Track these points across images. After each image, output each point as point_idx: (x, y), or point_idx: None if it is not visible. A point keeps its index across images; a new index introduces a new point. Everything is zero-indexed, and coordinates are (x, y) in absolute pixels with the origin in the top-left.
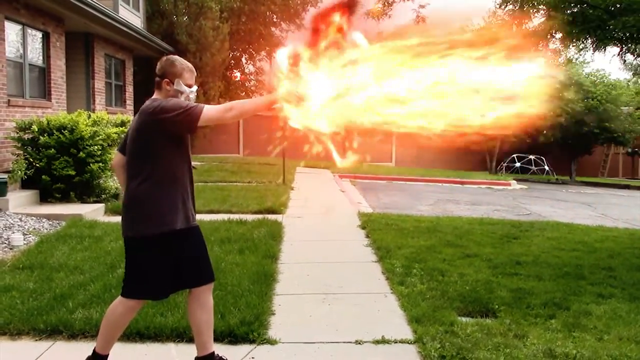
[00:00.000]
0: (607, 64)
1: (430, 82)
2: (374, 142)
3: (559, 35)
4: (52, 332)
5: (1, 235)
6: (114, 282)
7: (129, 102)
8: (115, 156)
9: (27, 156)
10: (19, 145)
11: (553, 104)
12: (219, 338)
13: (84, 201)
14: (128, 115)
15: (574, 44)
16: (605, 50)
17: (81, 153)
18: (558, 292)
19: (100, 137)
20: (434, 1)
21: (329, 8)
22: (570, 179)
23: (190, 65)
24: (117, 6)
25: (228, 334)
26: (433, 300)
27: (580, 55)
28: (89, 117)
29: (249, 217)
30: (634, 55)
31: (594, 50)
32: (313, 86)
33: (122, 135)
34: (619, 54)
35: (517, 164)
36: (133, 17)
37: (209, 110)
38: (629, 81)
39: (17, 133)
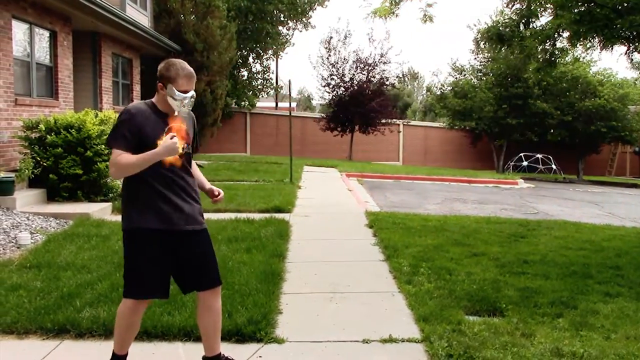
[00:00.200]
0: (614, 62)
1: None
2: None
3: (566, 34)
4: (60, 331)
5: (9, 234)
6: (121, 281)
7: (137, 101)
8: None
9: (35, 155)
10: (26, 144)
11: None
12: (226, 337)
13: (91, 200)
14: None
15: (581, 43)
16: (612, 49)
17: (88, 152)
18: (565, 291)
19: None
20: (441, 0)
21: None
22: (577, 177)
23: (188, 70)
24: (125, 5)
25: (235, 333)
26: (440, 299)
27: (588, 54)
28: (96, 116)
29: (256, 216)
30: None
31: (601, 49)
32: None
33: None
34: (626, 53)
35: (525, 163)
36: (140, 16)
37: (114, 158)
38: (636, 80)
39: (25, 132)
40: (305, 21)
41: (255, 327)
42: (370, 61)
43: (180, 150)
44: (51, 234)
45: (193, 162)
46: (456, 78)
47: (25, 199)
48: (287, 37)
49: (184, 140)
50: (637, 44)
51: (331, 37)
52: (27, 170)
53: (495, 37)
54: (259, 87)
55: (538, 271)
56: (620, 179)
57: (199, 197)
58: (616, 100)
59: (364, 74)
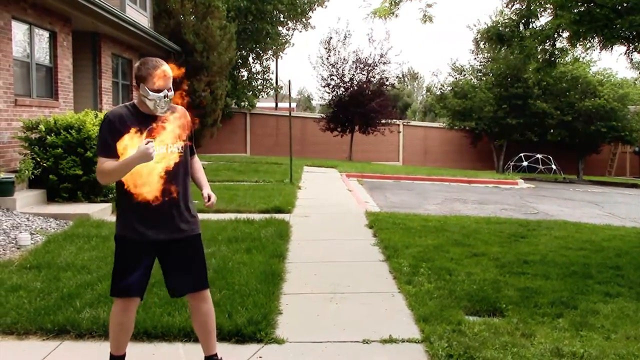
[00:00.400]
0: (614, 62)
1: None
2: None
3: (565, 34)
4: (60, 331)
5: (9, 235)
6: None
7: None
8: None
9: (34, 156)
10: (26, 144)
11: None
12: (226, 337)
13: (91, 201)
14: None
15: (581, 43)
16: (612, 49)
17: (88, 152)
18: (565, 291)
19: None
20: (441, 0)
21: None
22: (577, 177)
23: (161, 68)
24: (124, 5)
25: (235, 333)
26: (440, 299)
27: (587, 54)
28: (96, 116)
29: (256, 217)
30: None
31: (601, 49)
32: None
33: None
34: (625, 53)
35: (525, 163)
36: (140, 17)
37: (98, 166)
38: (635, 80)
39: (25, 133)
40: (305, 21)
41: (255, 328)
42: (370, 61)
43: (154, 156)
44: (51, 235)
45: (197, 163)
46: (456, 78)
47: (25, 199)
48: (287, 37)
49: (171, 141)
50: (636, 43)
51: (331, 38)
52: (27, 171)
53: (495, 37)
54: (259, 87)
55: (538, 271)
56: (620, 179)
57: (186, 204)
58: (616, 100)
59: (364, 74)
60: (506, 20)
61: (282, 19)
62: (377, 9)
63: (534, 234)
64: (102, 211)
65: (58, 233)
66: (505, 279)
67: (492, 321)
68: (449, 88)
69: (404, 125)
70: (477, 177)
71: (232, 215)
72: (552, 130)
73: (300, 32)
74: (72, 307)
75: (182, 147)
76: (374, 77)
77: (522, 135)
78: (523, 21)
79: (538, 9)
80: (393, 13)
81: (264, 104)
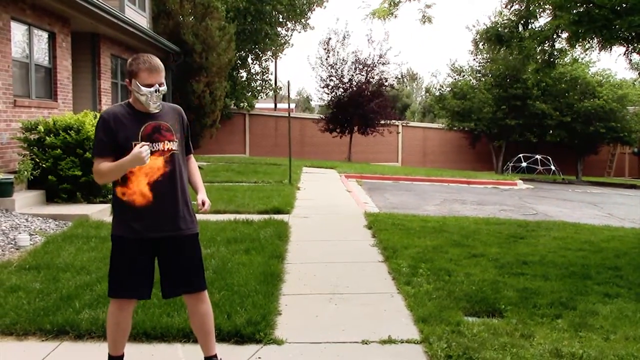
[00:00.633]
0: (613, 63)
1: None
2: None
3: (565, 34)
4: (59, 332)
5: (8, 236)
6: None
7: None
8: None
9: (34, 156)
10: (25, 145)
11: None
12: (225, 338)
13: (90, 201)
14: None
15: (580, 44)
16: (611, 50)
17: (87, 153)
18: (564, 292)
19: None
20: (440, 1)
21: None
22: (576, 178)
23: (151, 63)
24: (123, 6)
25: (234, 334)
26: (439, 300)
27: (586, 54)
28: (95, 117)
29: (255, 217)
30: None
31: (600, 50)
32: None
33: None
34: (624, 54)
35: (524, 164)
36: (139, 17)
37: (94, 166)
38: (634, 81)
39: (24, 133)
40: (304, 22)
41: (254, 328)
42: (369, 62)
43: (148, 160)
44: (50, 236)
45: (193, 164)
46: (455, 79)
47: (24, 200)
48: (286, 38)
49: (167, 139)
50: (635, 44)
51: (330, 38)
52: (26, 172)
53: (494, 38)
54: (258, 88)
55: (537, 272)
56: (619, 179)
57: (184, 202)
58: (615, 101)
59: (363, 75)
60: (505, 21)
61: (281, 20)
62: (376, 10)
63: (533, 234)
64: (101, 212)
65: (57, 234)
66: (504, 280)
67: (491, 322)
68: (448, 89)
69: (403, 126)
70: (476, 178)
71: (231, 216)
72: (551, 131)
73: (300, 32)
74: (71, 308)
75: (178, 145)
76: (373, 78)
77: (521, 136)
78: (522, 22)
79: (537, 10)
80: (392, 14)
81: (263, 104)
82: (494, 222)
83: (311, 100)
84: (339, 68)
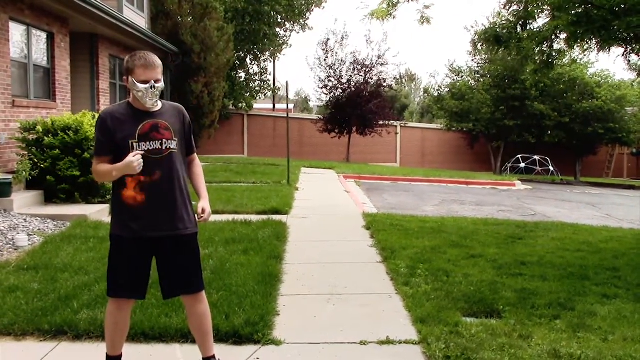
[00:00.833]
0: (611, 64)
1: None
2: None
3: (563, 35)
4: (57, 332)
5: (6, 236)
6: None
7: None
8: None
9: (32, 157)
10: (24, 145)
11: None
12: (223, 338)
13: (88, 202)
14: None
15: (579, 45)
16: (609, 50)
17: (86, 154)
18: (563, 293)
19: None
20: (439, 2)
21: None
22: (574, 179)
23: (146, 59)
24: (122, 6)
25: (233, 335)
26: (438, 300)
27: (585, 55)
28: (94, 117)
29: (254, 218)
30: (638, 56)
31: (599, 51)
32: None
33: None
34: (623, 55)
35: (522, 165)
36: (137, 18)
37: (93, 166)
38: (633, 82)
39: (22, 134)
40: (303, 22)
41: (252, 329)
42: (367, 63)
43: (139, 170)
44: (48, 236)
45: (196, 167)
46: (453, 80)
47: (23, 200)
48: (285, 38)
49: (166, 137)
50: (634, 45)
51: (328, 39)
52: (24, 172)
53: (492, 38)
54: (257, 88)
55: (535, 273)
56: (618, 180)
57: (182, 201)
58: (613, 101)
59: (362, 76)
60: (503, 22)
61: (279, 20)
62: (374, 11)
63: (531, 235)
64: (100, 212)
65: (55, 234)
66: (502, 281)
67: (490, 322)
68: (446, 89)
69: (401, 126)
70: (474, 179)
71: (230, 217)
72: (549, 132)
73: (298, 33)
74: (70, 308)
75: (177, 144)
76: (371, 79)
77: (520, 136)
78: (520, 23)
79: (535, 11)
80: (390, 14)
81: (262, 105)
82: (493, 223)
83: (310, 100)
84: (337, 69)
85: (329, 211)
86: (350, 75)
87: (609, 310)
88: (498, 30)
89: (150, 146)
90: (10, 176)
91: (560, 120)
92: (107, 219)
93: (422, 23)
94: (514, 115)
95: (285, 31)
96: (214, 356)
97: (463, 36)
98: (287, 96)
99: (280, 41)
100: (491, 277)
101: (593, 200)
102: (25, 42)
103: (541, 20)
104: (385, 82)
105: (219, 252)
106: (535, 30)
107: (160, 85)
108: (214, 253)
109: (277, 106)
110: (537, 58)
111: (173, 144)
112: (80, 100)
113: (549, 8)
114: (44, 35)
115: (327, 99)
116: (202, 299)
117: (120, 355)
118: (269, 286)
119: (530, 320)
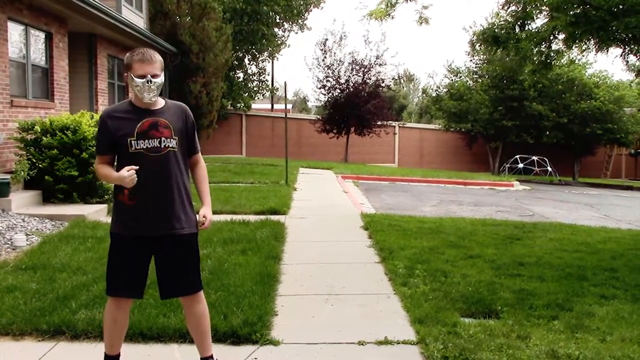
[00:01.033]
0: (609, 65)
1: None
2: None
3: (561, 36)
4: (55, 332)
5: (4, 236)
6: None
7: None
8: None
9: (30, 157)
10: (22, 145)
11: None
12: (221, 339)
13: (86, 202)
14: None
15: (577, 45)
16: (608, 51)
17: (84, 154)
18: (561, 293)
19: None
20: (437, 2)
21: None
22: (573, 180)
23: (144, 54)
24: (120, 6)
25: (231, 335)
26: (436, 301)
27: (583, 56)
28: (92, 117)
29: (252, 218)
30: (636, 57)
31: (597, 52)
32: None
33: None
34: (621, 55)
35: (520, 165)
36: (136, 18)
37: (95, 166)
38: (631, 82)
39: (20, 133)
40: (301, 23)
41: (250, 329)
42: (366, 63)
43: (130, 185)
44: (47, 236)
45: (200, 168)
46: (452, 80)
47: (21, 200)
48: (283, 38)
49: (165, 135)
50: (632, 46)
51: (327, 39)
52: (22, 172)
53: (490, 39)
54: (255, 88)
55: (533, 273)
56: (616, 181)
57: (180, 201)
58: (612, 102)
59: (360, 76)
60: (502, 22)
61: (278, 21)
62: (373, 11)
63: (529, 236)
64: (98, 212)
65: (53, 234)
66: (500, 281)
67: (488, 323)
68: (444, 90)
69: (399, 127)
70: (472, 179)
71: (228, 217)
72: (547, 132)
73: (296, 33)
74: (68, 308)
75: (177, 143)
76: (369, 79)
77: (518, 137)
78: (519, 23)
79: (534, 11)
80: (389, 15)
81: (260, 105)
82: (491, 223)
83: (308, 101)
84: (335, 69)
85: (327, 211)
86: (349, 76)
87: (607, 311)
88: (496, 30)
89: (149, 144)
90: (8, 176)
91: (558, 121)
92: (105, 218)
93: (421, 23)
94: (512, 116)
95: (284, 31)
96: (212, 356)
97: (461, 36)
98: (285, 96)
99: (279, 41)
100: (489, 278)
101: (591, 201)
102: (24, 42)
103: (539, 21)
104: (383, 82)
105: (217, 252)
106: (533, 30)
107: (159, 80)
108: (212, 253)
109: (276, 106)
110: (535, 58)
111: (172, 143)
112: (79, 100)
113: (547, 8)
114: (42, 35)
115: (326, 99)
116: (200, 299)
117: (119, 355)
118: (267, 286)
119: (528, 320)
